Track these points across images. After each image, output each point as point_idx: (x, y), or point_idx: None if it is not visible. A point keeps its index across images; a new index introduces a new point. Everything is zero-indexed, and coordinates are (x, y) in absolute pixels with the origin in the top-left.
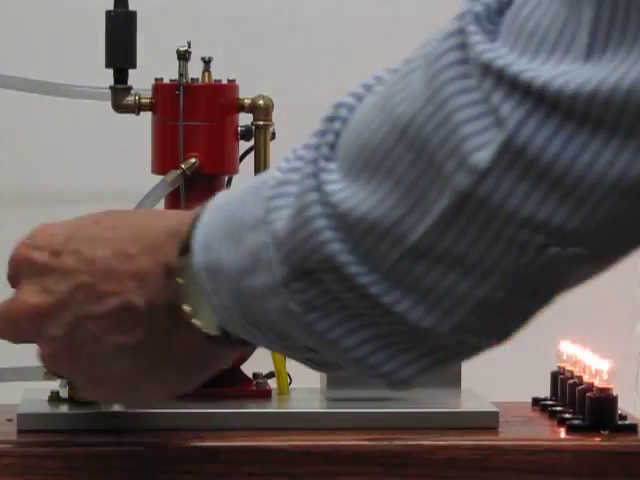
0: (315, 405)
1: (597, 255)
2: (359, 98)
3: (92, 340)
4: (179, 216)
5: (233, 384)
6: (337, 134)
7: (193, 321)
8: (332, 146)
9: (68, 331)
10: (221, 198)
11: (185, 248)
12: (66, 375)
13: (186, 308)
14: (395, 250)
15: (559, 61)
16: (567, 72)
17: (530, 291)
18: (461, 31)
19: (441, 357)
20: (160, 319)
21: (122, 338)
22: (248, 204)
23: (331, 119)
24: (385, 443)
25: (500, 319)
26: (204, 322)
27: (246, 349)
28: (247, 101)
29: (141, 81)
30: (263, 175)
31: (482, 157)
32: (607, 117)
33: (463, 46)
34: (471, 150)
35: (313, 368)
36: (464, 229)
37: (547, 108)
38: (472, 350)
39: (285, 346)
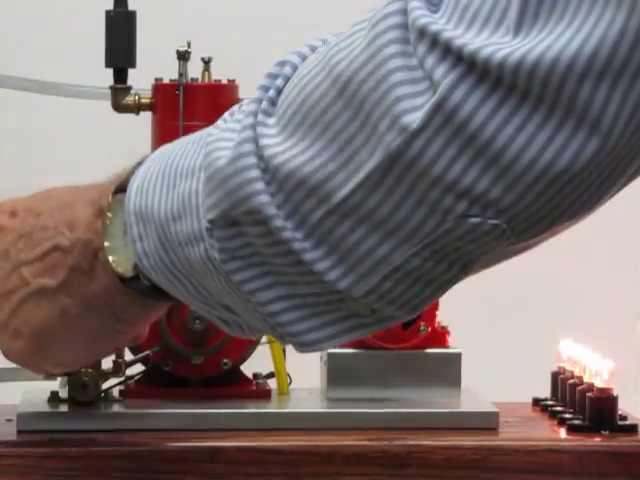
0: (315, 405)
1: (516, 231)
2: (303, 57)
3: (22, 285)
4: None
5: (233, 384)
6: (278, 90)
7: (109, 257)
8: (272, 101)
9: (5, 277)
10: (165, 147)
11: (121, 188)
12: None
13: (106, 244)
14: (321, 207)
15: (490, 34)
16: (496, 43)
17: (447, 261)
18: None
19: (352, 325)
20: (80, 259)
21: (46, 280)
22: (188, 153)
23: (274, 76)
24: (385, 443)
25: (414, 288)
26: (120, 261)
27: (160, 304)
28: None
29: (141, 81)
30: (208, 127)
31: (413, 119)
32: (532, 89)
33: (404, 12)
34: (403, 111)
35: (225, 330)
36: (390, 190)
37: (477, 75)
38: (383, 321)
39: (202, 301)
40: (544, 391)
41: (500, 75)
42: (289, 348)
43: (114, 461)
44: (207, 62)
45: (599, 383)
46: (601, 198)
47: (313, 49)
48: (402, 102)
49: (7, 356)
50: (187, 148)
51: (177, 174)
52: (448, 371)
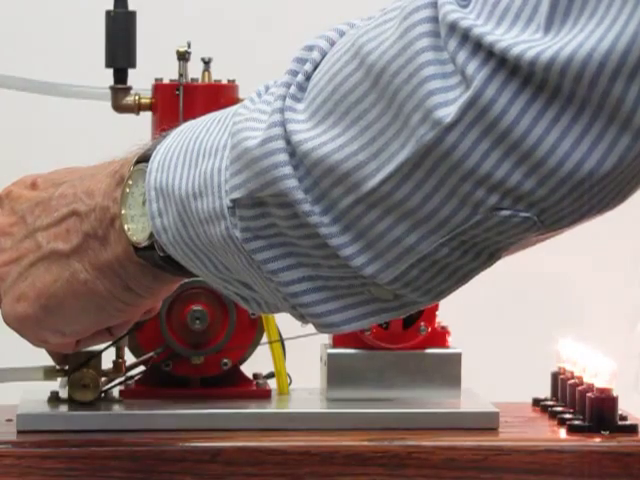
0: (315, 405)
1: (546, 223)
2: (331, 42)
3: (35, 249)
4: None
5: (233, 384)
6: (307, 75)
7: (125, 225)
8: (301, 87)
9: (19, 242)
10: (189, 123)
11: (143, 158)
12: None
13: (123, 211)
14: (350, 195)
15: (521, 31)
16: (527, 41)
17: (475, 250)
18: None
19: (374, 309)
20: (98, 224)
21: (59, 245)
22: (212, 131)
23: (302, 60)
24: (385, 443)
25: (440, 276)
26: (135, 230)
27: (171, 278)
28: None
29: (141, 81)
30: (233, 107)
31: (447, 112)
32: (564, 86)
33: (435, 5)
34: (436, 105)
35: (242, 305)
36: (421, 182)
37: (509, 71)
38: (406, 306)
39: (220, 277)
40: (544, 391)
41: (531, 72)
42: (289, 348)
43: (114, 461)
44: (207, 62)
45: (599, 383)
46: (631, 191)
47: (341, 33)
48: (434, 96)
49: (7, 321)
50: (211, 126)
51: (200, 152)
52: (448, 371)
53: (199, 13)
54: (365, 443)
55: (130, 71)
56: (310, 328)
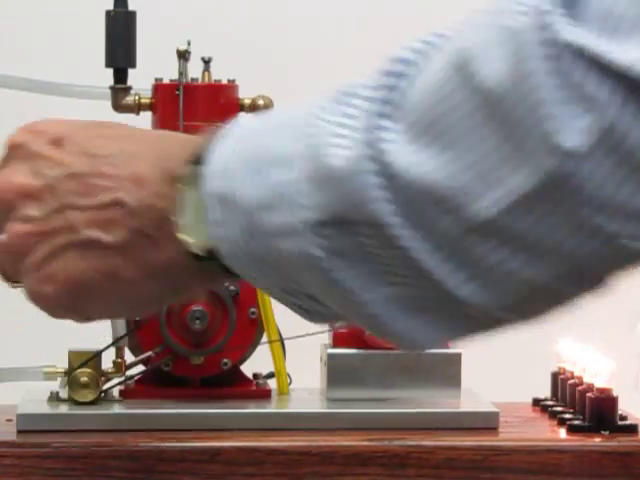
0: (315, 405)
1: None
2: (425, 56)
3: (69, 230)
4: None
5: (233, 384)
6: (398, 90)
7: (180, 235)
8: (391, 102)
9: (47, 215)
10: (247, 125)
11: (197, 159)
12: (15, 265)
13: (177, 216)
14: (454, 222)
15: (638, 43)
16: None
17: (588, 280)
18: (539, 11)
19: (462, 325)
20: (147, 224)
21: (101, 235)
22: (282, 137)
23: (391, 74)
24: (385, 443)
25: (544, 303)
26: (192, 239)
27: (222, 282)
28: (247, 101)
29: (141, 81)
30: (301, 111)
31: (581, 142)
32: None
33: (545, 27)
34: (565, 134)
35: (302, 316)
36: (544, 214)
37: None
38: (499, 324)
39: (283, 289)
40: (544, 391)
41: None
42: (289, 348)
43: (114, 461)
44: (207, 62)
45: (599, 383)
46: None
47: (434, 46)
48: (562, 124)
49: (31, 298)
50: (280, 132)
51: (269, 160)
52: (448, 371)
53: (199, 13)
54: (365, 443)
55: (130, 71)
56: (310, 328)
